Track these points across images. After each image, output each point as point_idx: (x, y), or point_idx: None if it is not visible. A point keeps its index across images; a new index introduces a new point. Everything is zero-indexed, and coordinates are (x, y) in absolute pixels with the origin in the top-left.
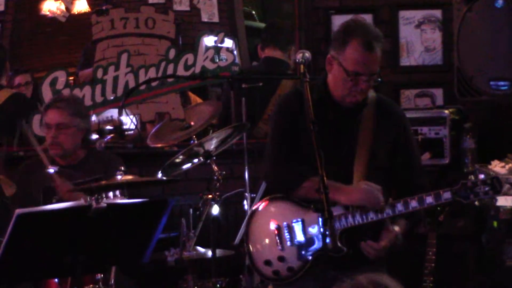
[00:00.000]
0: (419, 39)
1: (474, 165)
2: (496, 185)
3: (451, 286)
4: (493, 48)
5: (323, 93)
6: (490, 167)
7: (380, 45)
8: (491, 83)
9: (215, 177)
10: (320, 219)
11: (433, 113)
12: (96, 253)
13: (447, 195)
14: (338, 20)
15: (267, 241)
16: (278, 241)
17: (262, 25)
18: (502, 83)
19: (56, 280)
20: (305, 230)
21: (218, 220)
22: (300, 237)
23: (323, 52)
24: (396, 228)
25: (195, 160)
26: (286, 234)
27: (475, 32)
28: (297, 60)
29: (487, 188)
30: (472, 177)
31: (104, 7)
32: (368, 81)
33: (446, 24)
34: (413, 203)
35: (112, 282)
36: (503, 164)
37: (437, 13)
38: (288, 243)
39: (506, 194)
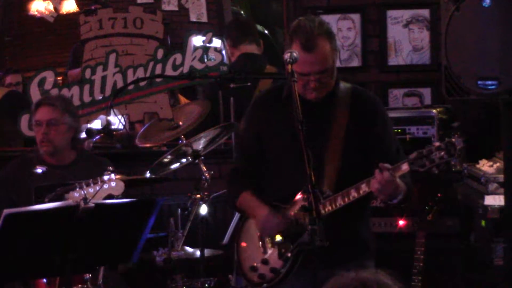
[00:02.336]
0: (407, 38)
1: (462, 164)
2: (450, 148)
3: (440, 285)
4: (481, 47)
5: (290, 92)
6: (478, 166)
7: (325, 41)
8: (479, 82)
9: (204, 177)
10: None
11: (421, 112)
12: (84, 253)
13: (404, 166)
14: (326, 19)
15: (251, 247)
16: (260, 244)
17: None
18: (490, 82)
19: (45, 280)
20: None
21: (206, 220)
22: (278, 237)
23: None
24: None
25: (184, 160)
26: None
27: (463, 32)
28: (285, 60)
29: (442, 153)
30: (429, 145)
31: (92, 7)
32: (317, 80)
33: (434, 23)
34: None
35: (101, 282)
36: (491, 163)
37: (425, 12)
38: (269, 245)
39: (494, 193)
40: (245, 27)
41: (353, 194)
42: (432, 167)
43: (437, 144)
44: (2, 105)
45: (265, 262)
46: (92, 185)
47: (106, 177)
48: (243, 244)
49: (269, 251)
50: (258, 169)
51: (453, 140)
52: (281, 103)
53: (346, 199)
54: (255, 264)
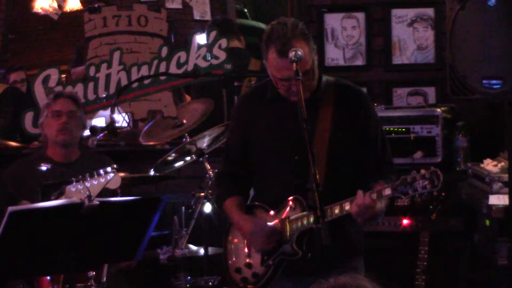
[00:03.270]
0: (411, 37)
1: (467, 163)
2: (434, 179)
3: (443, 284)
4: (486, 46)
5: (276, 91)
6: (482, 165)
7: (302, 43)
8: (484, 81)
9: (208, 175)
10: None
11: (425, 111)
12: (88, 251)
13: (387, 191)
14: (330, 18)
15: (238, 249)
16: (246, 247)
17: (254, 23)
18: (494, 81)
19: (49, 277)
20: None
21: (210, 218)
22: None
23: (316, 51)
24: (383, 204)
25: (188, 158)
26: None
27: (468, 31)
28: (290, 59)
29: (426, 183)
30: (415, 172)
31: (96, 5)
32: (298, 83)
33: (439, 22)
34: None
35: (105, 279)
36: (495, 162)
37: (430, 11)
38: (254, 249)
39: (498, 192)
40: (225, 25)
41: (336, 211)
42: (414, 195)
43: (422, 172)
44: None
45: (248, 266)
46: (88, 179)
47: (102, 171)
48: (230, 244)
49: (253, 256)
50: (244, 172)
51: (438, 171)
52: (266, 103)
53: (329, 216)
54: (239, 266)
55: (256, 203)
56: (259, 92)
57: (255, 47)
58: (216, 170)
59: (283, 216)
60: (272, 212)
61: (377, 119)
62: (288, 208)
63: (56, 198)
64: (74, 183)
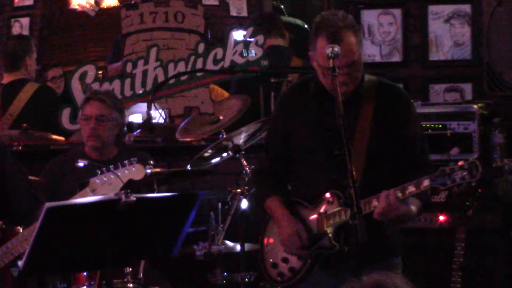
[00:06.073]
0: (448, 33)
1: (503, 160)
2: (473, 169)
3: (480, 281)
4: None
5: (318, 86)
6: None
7: (350, 33)
8: None
9: (244, 172)
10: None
11: (462, 107)
12: (125, 247)
13: (426, 182)
14: (367, 15)
15: (274, 243)
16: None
17: (291, 19)
18: None
19: (85, 273)
20: (306, 230)
21: (246, 215)
22: None
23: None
24: (413, 207)
25: (224, 154)
26: None
27: (505, 27)
28: (327, 55)
29: (464, 173)
30: (453, 163)
31: (133, 1)
32: (347, 73)
33: (476, 18)
34: (397, 193)
35: (141, 275)
36: None
37: (466, 7)
38: None
39: None
40: (269, 21)
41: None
42: (453, 186)
43: (460, 163)
44: (36, 101)
45: (285, 260)
46: (113, 170)
47: (126, 162)
48: (267, 239)
49: None
50: (283, 169)
51: (477, 161)
52: (308, 99)
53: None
54: (276, 261)
55: (294, 199)
56: (300, 88)
57: (292, 43)
58: (253, 167)
59: (321, 210)
60: (310, 207)
61: (417, 120)
62: (326, 202)
63: (80, 190)
64: (99, 174)
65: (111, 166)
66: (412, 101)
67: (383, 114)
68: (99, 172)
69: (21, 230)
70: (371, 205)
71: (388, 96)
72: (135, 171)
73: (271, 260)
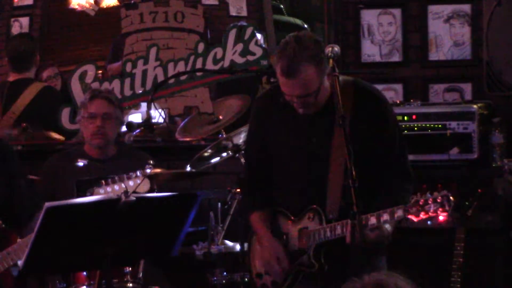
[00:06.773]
0: (448, 33)
1: (503, 160)
2: (445, 203)
3: (480, 281)
4: None
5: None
6: None
7: (308, 65)
8: None
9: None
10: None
11: (461, 107)
12: (124, 246)
13: (400, 212)
14: (367, 15)
15: (260, 254)
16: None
17: (291, 19)
18: None
19: (85, 273)
20: (288, 244)
21: None
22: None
23: (352, 47)
24: (388, 227)
25: (224, 154)
26: None
27: (505, 27)
28: (327, 55)
29: (437, 206)
30: (428, 195)
31: (133, 1)
32: (302, 102)
33: (475, 18)
34: (372, 220)
35: (141, 275)
36: None
37: (466, 7)
38: None
39: None
40: None
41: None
42: (425, 218)
43: (435, 194)
44: (40, 101)
45: (268, 273)
46: (126, 180)
47: (132, 174)
48: (254, 247)
49: None
50: (264, 176)
51: (450, 195)
52: (281, 106)
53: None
54: (261, 271)
55: (278, 208)
56: (272, 95)
57: None
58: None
59: (301, 226)
60: (292, 219)
61: (396, 123)
62: (307, 218)
63: (78, 189)
64: (103, 185)
65: (116, 177)
66: (389, 103)
67: (360, 118)
68: (103, 182)
69: (18, 239)
70: (335, 232)
71: (364, 99)
72: (140, 184)
73: (256, 270)
